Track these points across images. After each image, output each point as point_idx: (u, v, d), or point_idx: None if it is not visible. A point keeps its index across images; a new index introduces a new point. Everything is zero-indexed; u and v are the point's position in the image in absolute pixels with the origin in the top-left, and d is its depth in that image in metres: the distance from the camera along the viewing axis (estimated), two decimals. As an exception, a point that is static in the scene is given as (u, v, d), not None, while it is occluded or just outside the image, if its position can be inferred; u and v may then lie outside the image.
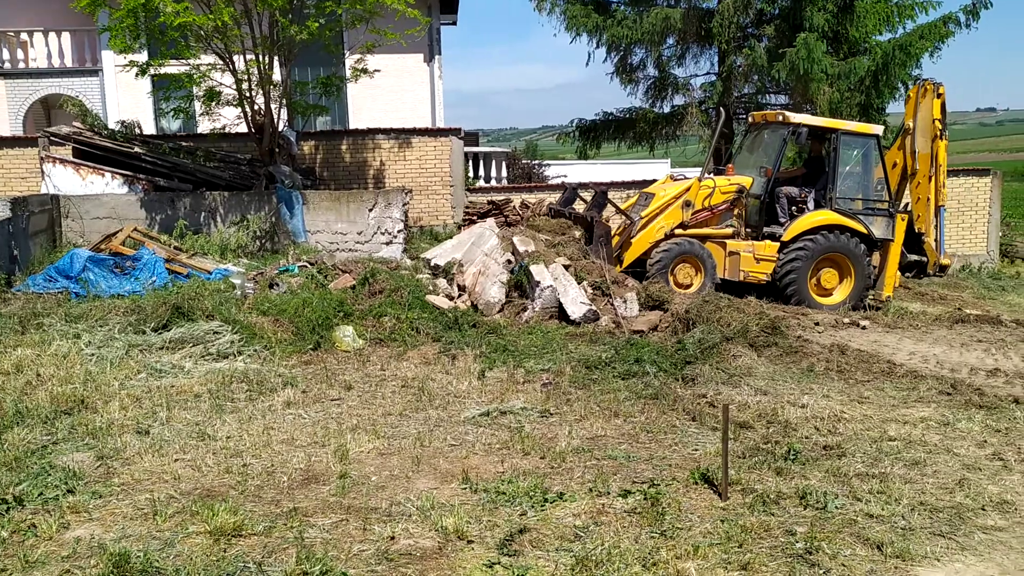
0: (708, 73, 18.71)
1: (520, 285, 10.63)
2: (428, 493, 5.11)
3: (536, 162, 25.00)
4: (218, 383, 7.35)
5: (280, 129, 14.66)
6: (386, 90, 20.20)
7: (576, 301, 10.04)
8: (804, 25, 15.27)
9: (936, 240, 13.79)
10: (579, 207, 13.53)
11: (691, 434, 6.25)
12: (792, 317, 10.51)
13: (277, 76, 14.48)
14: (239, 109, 14.43)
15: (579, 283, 10.51)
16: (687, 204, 12.53)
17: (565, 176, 21.06)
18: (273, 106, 14.37)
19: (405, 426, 6.43)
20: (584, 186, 16.11)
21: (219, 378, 7.46)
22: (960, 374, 8.25)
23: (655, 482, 5.23)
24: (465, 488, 5.20)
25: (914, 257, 13.74)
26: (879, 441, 6.01)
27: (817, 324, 10.32)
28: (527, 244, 11.01)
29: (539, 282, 10.18)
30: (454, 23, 23.80)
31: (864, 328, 10.35)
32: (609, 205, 12.69)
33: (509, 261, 10.98)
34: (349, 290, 10.12)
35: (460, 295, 11.13)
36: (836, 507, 4.79)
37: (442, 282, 11.14)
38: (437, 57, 21.20)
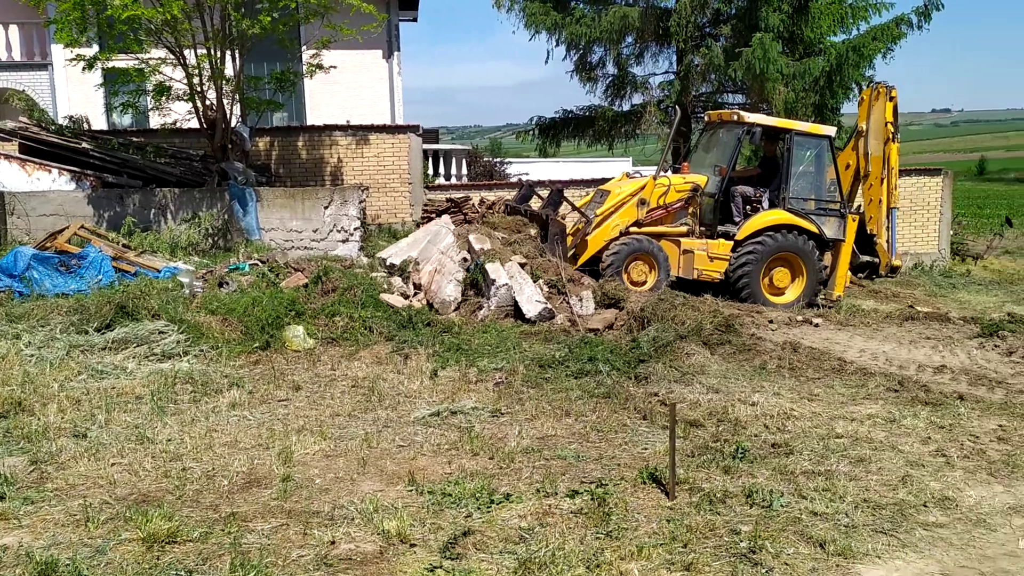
0: (666, 72, 18.82)
1: (476, 283, 10.56)
2: (373, 496, 5.01)
3: (498, 160, 24.94)
4: (161, 384, 7.17)
5: (233, 125, 14.42)
6: (345, 87, 20.01)
7: (531, 300, 10.00)
8: (760, 25, 15.38)
9: (888, 241, 13.99)
10: (536, 205, 13.51)
11: (642, 433, 6.23)
12: (747, 315, 10.56)
13: (230, 71, 14.23)
14: (191, 104, 14.16)
15: (535, 281, 10.46)
16: (642, 202, 12.56)
17: (527, 174, 21.01)
18: (225, 101, 14.12)
19: (353, 427, 6.33)
20: (543, 184, 16.09)
21: (162, 379, 7.29)
22: (908, 371, 8.34)
23: (603, 482, 5.19)
24: (411, 490, 5.12)
25: (866, 258, 13.93)
26: (826, 438, 6.03)
27: (771, 322, 10.38)
28: (483, 242, 10.94)
29: (495, 280, 10.11)
30: (414, 19, 23.64)
31: (817, 326, 10.43)
32: (565, 203, 12.67)
33: (465, 259, 10.90)
34: (301, 289, 9.97)
35: (416, 294, 11.03)
36: (781, 505, 4.79)
37: (397, 280, 11.03)
38: (396, 54, 21.05)
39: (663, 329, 8.98)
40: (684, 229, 12.89)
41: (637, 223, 12.50)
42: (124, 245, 12.39)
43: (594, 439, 6.13)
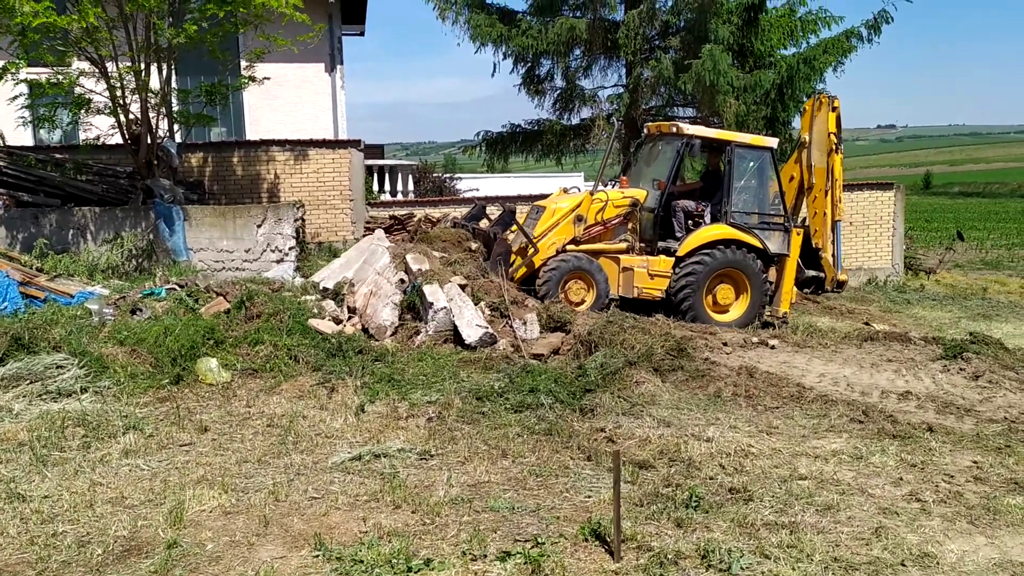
0: (615, 85, 18.37)
1: (414, 307, 9.88)
2: (271, 565, 4.30)
3: (448, 175, 24.30)
4: (49, 428, 6.36)
5: (159, 140, 13.57)
6: (285, 101, 19.26)
7: (472, 324, 9.34)
8: (710, 38, 14.98)
9: (834, 255, 13.61)
10: (485, 225, 12.90)
11: (585, 477, 5.59)
12: (699, 337, 10.01)
13: (156, 83, 13.41)
14: (114, 119, 13.30)
15: (476, 304, 9.81)
16: (579, 219, 12.04)
17: (477, 189, 20.41)
18: (151, 115, 13.29)
19: (261, 476, 5.59)
20: (493, 200, 15.49)
21: (51, 422, 6.47)
22: (871, 398, 7.84)
23: (539, 540, 4.54)
24: (317, 556, 4.41)
25: (812, 273, 13.55)
26: (789, 480, 5.46)
27: (725, 344, 9.85)
28: (421, 262, 10.27)
29: (432, 303, 9.44)
30: (361, 33, 22.95)
31: (773, 348, 9.92)
32: (515, 225, 12.05)
33: (402, 280, 10.22)
34: (223, 315, 9.19)
35: (350, 318, 10.31)
36: (742, 568, 4.18)
37: (329, 304, 10.30)
38: (339, 67, 20.32)
39: (611, 355, 8.39)
40: (623, 246, 12.37)
41: (574, 241, 12.00)
42: (37, 268, 11.49)
43: (532, 485, 5.47)
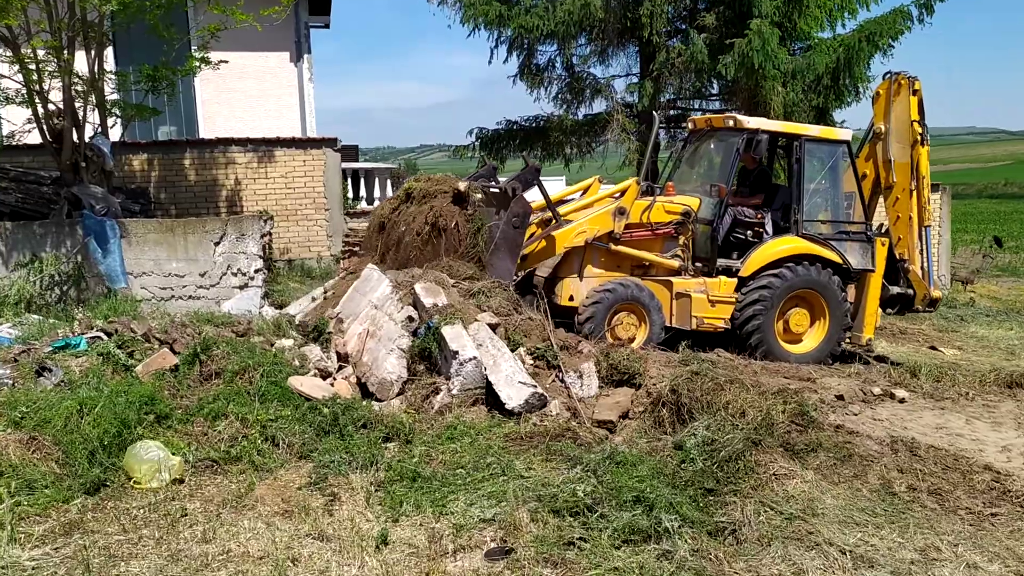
0: (628, 74, 16.00)
1: (428, 354, 7.36)
2: None
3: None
4: None
5: (90, 137, 10.90)
6: (246, 95, 16.63)
7: (512, 381, 6.85)
8: (753, 12, 12.71)
9: (923, 268, 11.41)
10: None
11: None
12: (803, 387, 7.65)
13: (83, 67, 10.74)
14: (31, 110, 10.61)
15: (513, 350, 7.33)
16: (621, 212, 9.77)
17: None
18: (77, 105, 10.62)
19: None
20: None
21: None
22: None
23: None
24: None
25: (896, 289, 11.34)
26: None
27: (840, 398, 7.50)
28: (435, 294, 7.75)
29: (457, 352, 6.94)
30: (326, 25, 20.30)
31: (903, 401, 7.61)
32: (539, 189, 9.65)
33: (411, 318, 7.70)
34: (168, 374, 6.61)
35: (341, 367, 7.78)
36: None
37: (314, 351, 7.75)
38: (306, 57, 17.67)
39: (719, 427, 5.98)
40: (675, 264, 10.08)
41: (612, 237, 9.75)
42: (-78, 303, 8.78)
43: None
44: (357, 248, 14.15)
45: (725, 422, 6.09)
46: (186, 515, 4.88)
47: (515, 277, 9.34)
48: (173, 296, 10.67)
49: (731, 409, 6.29)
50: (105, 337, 6.83)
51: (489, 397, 6.92)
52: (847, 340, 10.70)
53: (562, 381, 7.13)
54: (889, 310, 11.59)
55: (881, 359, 10.98)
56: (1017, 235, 35.40)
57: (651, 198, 10.02)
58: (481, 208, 9.15)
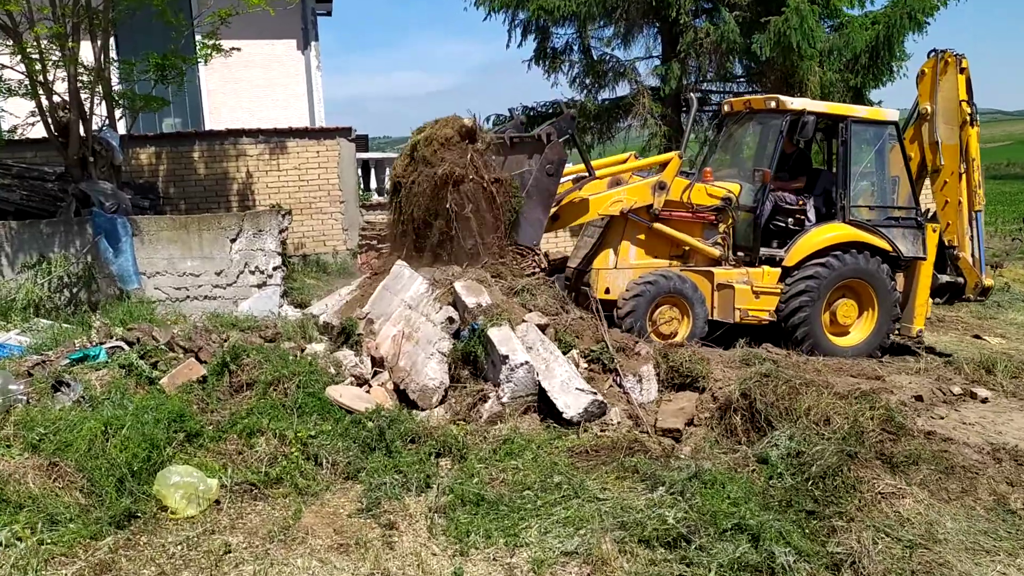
0: (649, 56, 15.37)
1: (471, 358, 6.82)
2: None
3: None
4: None
5: (97, 130, 10.32)
6: (252, 84, 16.03)
7: (568, 387, 6.32)
8: (789, -12, 12.14)
9: (974, 255, 10.87)
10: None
11: None
12: (875, 387, 7.12)
13: (89, 56, 10.16)
14: (35, 102, 10.02)
15: (565, 353, 6.79)
16: (661, 186, 9.30)
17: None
18: (83, 96, 10.04)
19: None
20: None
21: None
22: None
23: None
24: None
25: (945, 278, 10.82)
26: None
27: (919, 399, 6.98)
28: (478, 293, 7.19)
29: (507, 356, 6.40)
30: (329, 13, 19.70)
31: (986, 401, 7.08)
32: (573, 138, 9.13)
33: (451, 319, 7.16)
34: (196, 386, 6.07)
35: (375, 373, 7.24)
36: None
37: (347, 356, 7.21)
38: (314, 44, 17.06)
39: (804, 436, 5.45)
40: (717, 252, 9.59)
41: (650, 211, 9.28)
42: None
43: None
44: (374, 241, 13.66)
45: (808, 431, 5.57)
46: (230, 551, 4.35)
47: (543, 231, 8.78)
48: (188, 296, 10.12)
49: (813, 416, 5.77)
50: (126, 347, 6.28)
51: (542, 404, 6.40)
52: (896, 332, 10.20)
53: (620, 386, 6.59)
54: (938, 300, 11.07)
55: (931, 351, 10.50)
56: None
57: (691, 181, 9.54)
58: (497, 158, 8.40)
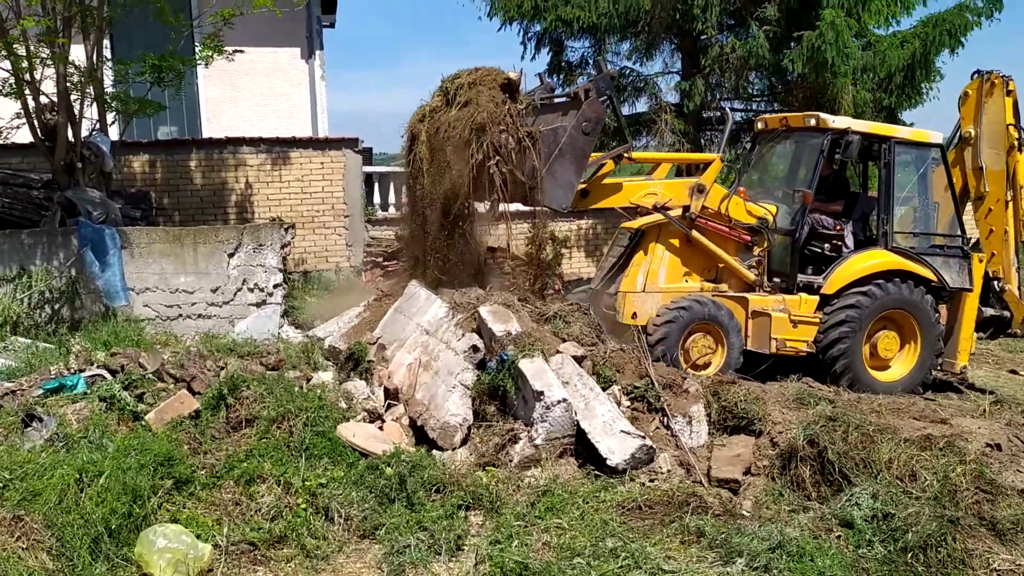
0: (668, 72, 14.68)
1: (498, 392, 6.07)
2: None
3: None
4: None
5: (87, 135, 9.58)
6: (252, 93, 15.33)
7: (612, 429, 5.57)
8: (822, 3, 11.44)
9: (1021, 288, 10.23)
10: None
11: None
12: (945, 432, 6.38)
13: (80, 55, 9.45)
14: (20, 102, 9.28)
15: (604, 389, 6.05)
16: (700, 190, 8.64)
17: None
18: (73, 97, 9.32)
19: None
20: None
21: None
22: None
23: None
24: None
25: (990, 311, 10.17)
26: None
27: (997, 447, 6.23)
28: (505, 320, 6.44)
29: (541, 393, 5.64)
30: (332, 24, 19.07)
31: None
32: (610, 101, 8.27)
33: (475, 348, 6.41)
34: (187, 422, 5.30)
35: (388, 406, 6.49)
36: None
37: (359, 386, 6.47)
38: (318, 53, 16.37)
39: (888, 494, 4.72)
40: (752, 276, 8.93)
41: (686, 215, 8.61)
42: None
43: None
44: (380, 259, 12.94)
45: (893, 487, 4.84)
46: (225, 636, 3.58)
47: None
48: (180, 315, 9.36)
49: (895, 470, 5.03)
50: (108, 375, 5.52)
51: (580, 447, 5.65)
52: (938, 367, 9.54)
53: (668, 428, 5.85)
54: (981, 334, 10.41)
55: (976, 388, 9.85)
56: None
57: (728, 193, 8.89)
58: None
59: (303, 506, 4.61)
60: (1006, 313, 10.16)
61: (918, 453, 5.17)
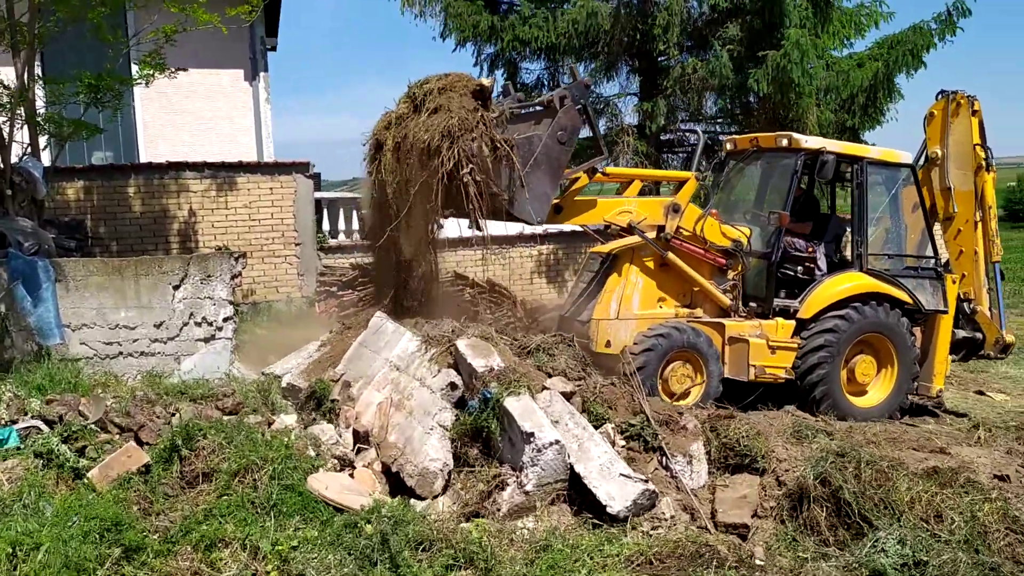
0: (626, 93, 14.46)
1: (481, 434, 5.58)
2: None
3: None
4: None
5: (17, 160, 8.86)
6: (194, 117, 14.63)
7: (610, 472, 5.11)
8: (785, 23, 11.32)
9: (992, 309, 10.13)
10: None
11: None
12: (951, 463, 6.08)
13: (10, 75, 8.76)
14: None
15: (597, 427, 5.59)
16: (675, 209, 8.27)
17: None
18: (1, 120, 8.61)
19: None
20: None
21: None
22: None
23: None
24: None
25: (962, 333, 10.03)
26: None
27: (1004, 478, 5.95)
28: (486, 354, 5.94)
29: (531, 434, 5.16)
30: (274, 48, 18.48)
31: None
32: (584, 111, 7.76)
33: (453, 385, 5.91)
34: (136, 478, 4.68)
35: (358, 450, 5.94)
36: None
37: (326, 430, 5.91)
38: (263, 75, 15.75)
39: (915, 537, 4.36)
40: (728, 301, 8.64)
41: (661, 235, 8.22)
42: None
43: None
44: (334, 288, 12.34)
45: (919, 529, 4.47)
46: None
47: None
48: (121, 352, 8.64)
49: (919, 510, 4.67)
50: (44, 427, 4.86)
51: (574, 492, 5.18)
52: (914, 391, 9.37)
53: (667, 468, 5.41)
54: (954, 356, 10.27)
55: (951, 412, 9.72)
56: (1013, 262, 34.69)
57: (703, 214, 8.59)
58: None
59: (273, 574, 4.05)
60: (978, 335, 10.00)
61: (939, 491, 4.83)
